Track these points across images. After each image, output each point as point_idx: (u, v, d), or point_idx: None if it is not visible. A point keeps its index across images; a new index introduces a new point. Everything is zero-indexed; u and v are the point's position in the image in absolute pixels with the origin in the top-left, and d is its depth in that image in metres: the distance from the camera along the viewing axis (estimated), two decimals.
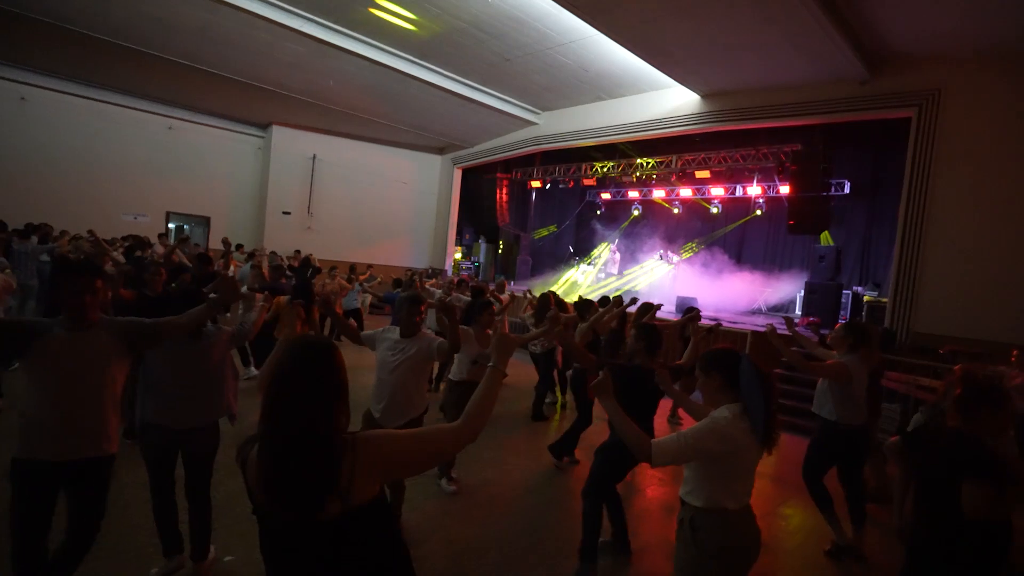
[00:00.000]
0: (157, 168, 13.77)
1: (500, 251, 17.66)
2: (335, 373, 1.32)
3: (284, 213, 15.05)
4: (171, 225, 15.47)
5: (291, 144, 15.00)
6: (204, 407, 2.68)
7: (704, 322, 5.50)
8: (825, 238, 11.63)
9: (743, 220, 13.78)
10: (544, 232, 17.34)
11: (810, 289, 10.03)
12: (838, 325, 4.41)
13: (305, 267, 10.13)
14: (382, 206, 16.51)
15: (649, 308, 5.32)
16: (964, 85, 7.48)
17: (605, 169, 13.78)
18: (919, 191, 7.75)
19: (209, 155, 14.57)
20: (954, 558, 1.99)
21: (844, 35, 7.16)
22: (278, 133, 14.86)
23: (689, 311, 5.40)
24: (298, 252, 13.08)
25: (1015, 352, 4.90)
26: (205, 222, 14.90)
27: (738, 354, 1.98)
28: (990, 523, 1.94)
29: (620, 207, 16.50)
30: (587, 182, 14.61)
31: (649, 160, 13.14)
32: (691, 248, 14.96)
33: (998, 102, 7.25)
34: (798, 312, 11.52)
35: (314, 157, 15.21)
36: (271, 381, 1.32)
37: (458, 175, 16.69)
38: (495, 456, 4.97)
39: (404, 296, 3.27)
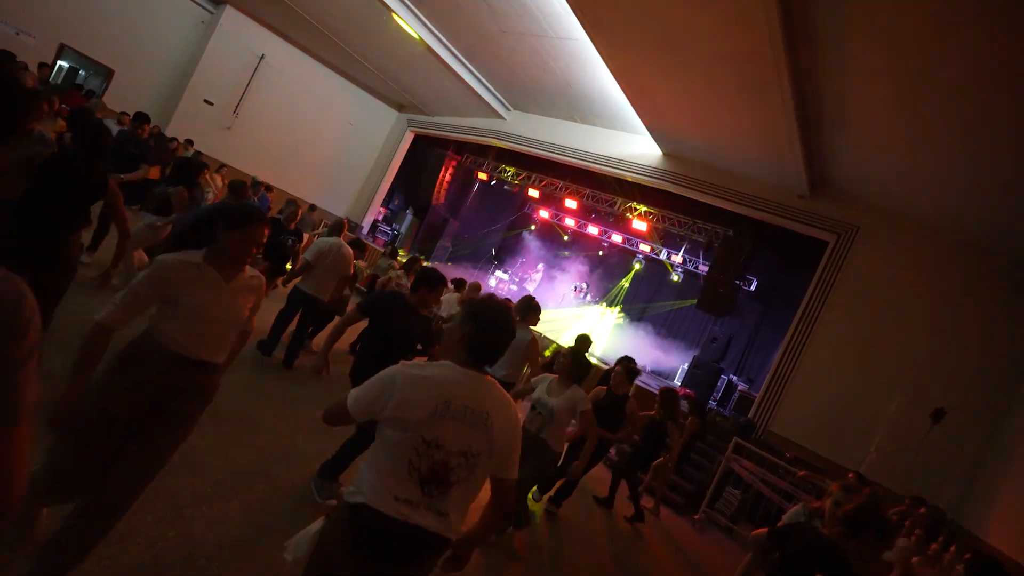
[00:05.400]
0: None
1: (422, 228, 16.95)
2: None
3: (206, 102, 13.33)
4: (62, 63, 13.13)
5: (241, 32, 13.38)
6: None
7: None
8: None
9: (678, 303, 14.36)
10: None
11: (695, 364, 10.56)
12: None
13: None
14: (318, 138, 15.24)
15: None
16: (880, 235, 8.27)
17: (554, 189, 13.77)
18: (813, 311, 8.42)
19: (139, 2, 12.54)
20: None
21: (804, 151, 7.64)
22: (230, 15, 13.18)
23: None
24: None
25: (851, 474, 5.32)
26: (106, 74, 12.77)
27: None
28: None
29: (553, 229, 16.59)
30: (532, 192, 14.49)
31: (596, 193, 13.30)
32: (612, 296, 15.34)
33: (898, 262, 8.04)
34: (677, 382, 12.13)
35: (262, 57, 13.68)
36: None
37: (408, 138, 15.89)
38: None
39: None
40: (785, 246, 10.98)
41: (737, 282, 10.86)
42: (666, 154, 10.40)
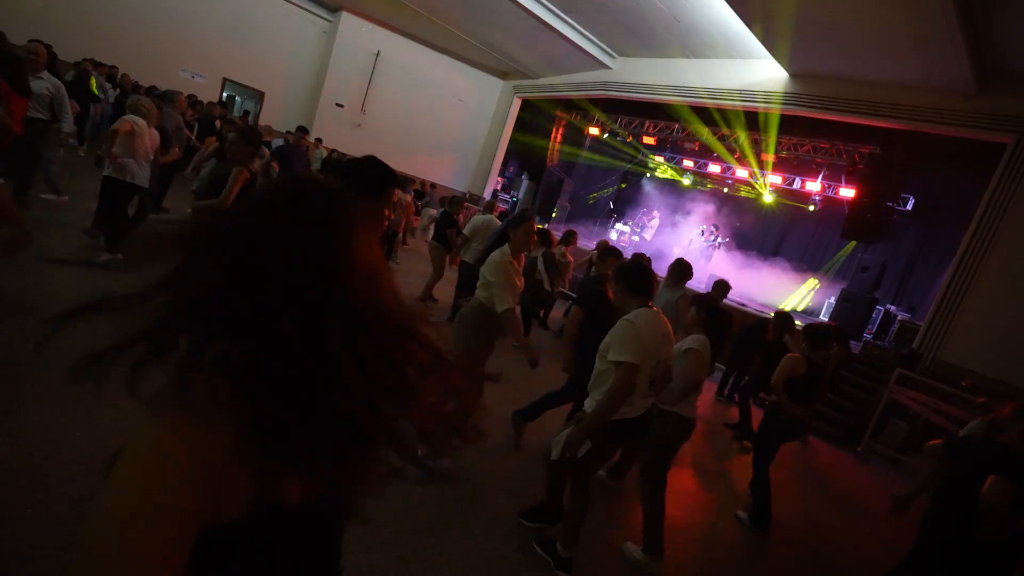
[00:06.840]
0: (219, 32, 13.49)
1: (539, 192, 17.44)
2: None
3: (337, 105, 14.86)
4: (226, 93, 15.35)
5: (357, 35, 14.59)
6: None
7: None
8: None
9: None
10: (594, 195, 17.10)
11: (844, 297, 9.90)
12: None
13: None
14: (434, 119, 16.24)
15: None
16: None
17: (670, 132, 13.37)
18: (991, 222, 7.49)
19: (273, 28, 14.22)
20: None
21: (967, 42, 6.70)
22: (346, 20, 14.41)
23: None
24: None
25: None
26: (259, 97, 14.77)
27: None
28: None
29: (672, 174, 16.09)
30: (646, 140, 14.18)
31: (716, 130, 12.69)
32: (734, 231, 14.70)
33: None
34: (823, 318, 11.46)
35: (378, 53, 14.81)
36: None
37: (516, 104, 16.26)
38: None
39: None
40: (948, 156, 9.71)
41: (889, 203, 9.89)
42: (793, 75, 9.62)
